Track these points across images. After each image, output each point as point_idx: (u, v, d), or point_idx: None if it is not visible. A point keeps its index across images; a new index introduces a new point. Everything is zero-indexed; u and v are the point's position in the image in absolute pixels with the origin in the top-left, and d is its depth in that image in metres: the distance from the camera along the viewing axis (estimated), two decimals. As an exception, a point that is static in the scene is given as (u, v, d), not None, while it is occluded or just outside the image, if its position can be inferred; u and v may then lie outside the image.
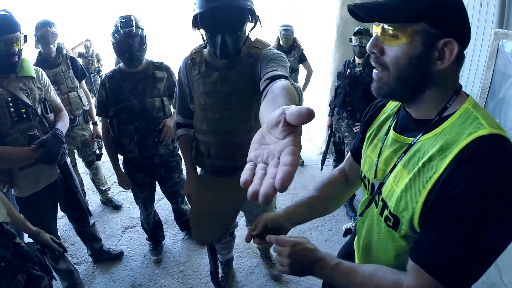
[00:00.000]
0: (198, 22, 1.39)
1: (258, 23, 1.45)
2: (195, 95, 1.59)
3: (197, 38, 1.54)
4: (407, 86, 0.78)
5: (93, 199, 3.57)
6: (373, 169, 0.95)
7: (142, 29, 2.12)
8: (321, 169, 3.68)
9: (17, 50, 1.77)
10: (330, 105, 3.43)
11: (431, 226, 0.74)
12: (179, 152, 2.44)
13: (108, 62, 6.72)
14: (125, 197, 3.63)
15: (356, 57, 3.03)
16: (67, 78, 2.84)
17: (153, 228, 2.66)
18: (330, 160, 3.89)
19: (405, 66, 0.76)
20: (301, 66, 4.27)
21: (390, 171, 0.87)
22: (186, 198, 1.75)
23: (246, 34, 1.48)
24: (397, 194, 0.81)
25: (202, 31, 1.45)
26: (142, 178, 2.37)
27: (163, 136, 2.19)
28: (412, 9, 0.73)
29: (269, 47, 1.51)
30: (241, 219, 2.55)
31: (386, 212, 0.86)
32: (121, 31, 2.03)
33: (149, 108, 2.17)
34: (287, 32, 4.10)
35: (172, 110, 2.34)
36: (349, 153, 1.21)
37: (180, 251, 2.80)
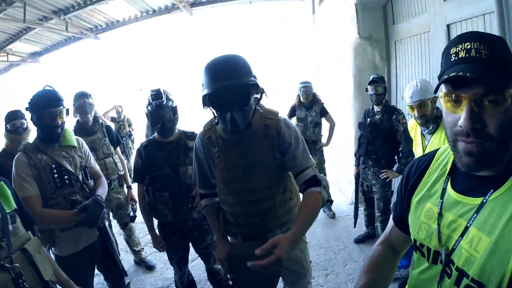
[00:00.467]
0: (207, 101, 1.48)
1: (264, 94, 1.56)
2: (216, 170, 1.64)
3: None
4: (508, 150, 0.75)
5: (126, 259, 3.61)
6: (434, 236, 0.87)
7: (172, 101, 2.32)
8: (355, 226, 3.64)
9: (60, 122, 1.97)
10: (355, 155, 3.50)
11: None
12: None
13: (139, 127, 7.08)
14: (158, 257, 3.66)
15: (374, 105, 3.13)
16: (103, 145, 3.05)
17: (187, 288, 2.67)
18: (361, 209, 3.85)
19: (510, 129, 0.73)
20: (323, 119, 4.43)
21: (461, 235, 0.80)
22: (221, 266, 1.76)
23: (254, 107, 1.54)
24: (479, 259, 0.75)
25: (212, 109, 1.52)
26: (176, 240, 2.43)
27: (196, 202, 2.29)
28: (497, 75, 0.71)
29: (280, 117, 1.61)
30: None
31: (466, 281, 0.77)
32: (153, 103, 2.24)
33: (182, 176, 2.30)
34: (307, 89, 4.33)
35: None
36: (391, 222, 1.13)
37: (215, 312, 2.76)
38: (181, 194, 2.30)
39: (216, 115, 1.53)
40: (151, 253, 3.77)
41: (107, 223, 2.25)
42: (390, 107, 3.08)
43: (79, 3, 5.54)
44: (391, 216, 1.13)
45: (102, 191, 2.15)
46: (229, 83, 1.38)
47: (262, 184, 1.58)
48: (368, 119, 3.19)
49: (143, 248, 3.60)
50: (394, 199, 3.54)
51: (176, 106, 2.34)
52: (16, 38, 6.77)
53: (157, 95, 2.26)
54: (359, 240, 3.65)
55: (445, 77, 0.73)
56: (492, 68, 0.70)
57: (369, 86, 3.07)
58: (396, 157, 3.18)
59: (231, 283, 2.88)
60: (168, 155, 2.32)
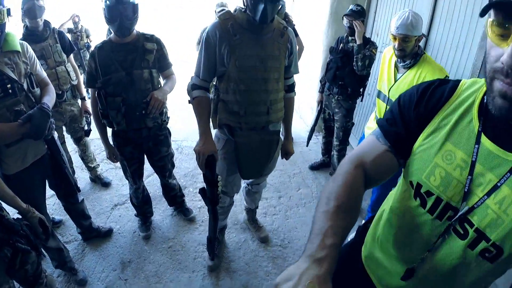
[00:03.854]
0: None
1: None
2: (232, 57, 1.74)
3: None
4: None
5: (82, 177, 3.52)
6: (458, 189, 0.75)
7: None
8: (307, 145, 3.72)
9: (0, 23, 1.70)
10: (321, 81, 3.42)
11: None
12: (168, 126, 2.46)
13: (98, 38, 6.56)
14: (114, 174, 3.60)
15: (348, 34, 3.01)
16: (54, 52, 2.77)
17: (141, 203, 2.66)
18: (319, 137, 3.90)
19: None
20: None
21: (488, 194, 0.71)
22: (197, 160, 1.82)
23: (279, 7, 1.75)
24: (507, 223, 0.68)
25: None
26: (130, 151, 2.35)
27: (150, 108, 2.16)
28: None
29: (289, 28, 1.87)
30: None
31: (484, 245, 0.72)
32: None
33: (137, 80, 2.14)
34: (280, 7, 4.02)
35: (162, 82, 2.32)
36: (374, 138, 0.90)
37: (168, 227, 2.81)
38: (135, 99, 2.16)
39: (247, 4, 1.70)
40: (107, 169, 3.68)
41: (56, 135, 2.08)
42: (367, 38, 2.95)
43: None
44: (372, 135, 0.91)
45: (49, 99, 1.95)
46: None
47: (273, 76, 1.83)
48: (341, 45, 3.08)
49: (98, 165, 3.49)
50: (354, 132, 3.60)
51: (137, 4, 2.10)
52: None
53: None
54: (314, 167, 3.75)
55: None
56: None
57: (345, 17, 2.93)
58: (361, 89, 3.15)
59: (185, 199, 2.92)
60: (124, 57, 2.13)
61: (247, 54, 1.74)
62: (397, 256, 0.91)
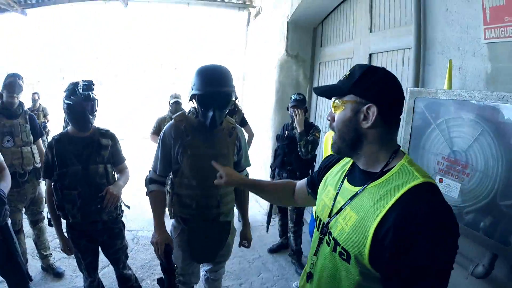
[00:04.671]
0: (196, 99, 1.84)
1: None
2: (184, 156, 1.89)
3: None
4: (346, 143, 1.01)
5: (33, 265, 3.22)
6: (326, 211, 1.09)
7: (95, 95, 2.19)
8: (267, 231, 3.73)
9: None
10: (271, 167, 3.58)
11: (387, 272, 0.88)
12: (122, 219, 2.44)
13: (55, 118, 6.47)
14: (67, 263, 3.32)
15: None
16: (23, 131, 2.82)
17: (97, 297, 2.45)
18: (276, 219, 3.95)
19: (342, 127, 1.01)
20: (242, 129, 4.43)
21: (337, 213, 1.03)
22: (155, 251, 1.89)
23: (227, 110, 1.91)
24: (347, 232, 0.95)
25: (195, 103, 1.88)
26: (85, 244, 2.26)
27: (106, 203, 2.16)
28: (344, 86, 1.00)
29: (237, 126, 2.07)
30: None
31: (339, 248, 0.98)
32: (81, 94, 2.07)
33: (92, 174, 2.16)
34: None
35: (116, 176, 2.35)
36: (303, 181, 1.43)
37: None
38: (90, 193, 2.15)
39: (198, 111, 1.89)
40: (59, 258, 3.40)
41: (9, 222, 2.02)
42: (309, 123, 3.23)
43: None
44: (305, 180, 1.41)
45: (5, 186, 1.96)
46: (219, 90, 1.78)
47: None
48: (287, 132, 3.32)
49: (51, 254, 3.25)
50: (307, 212, 3.74)
51: (97, 100, 2.21)
52: None
53: (88, 86, 2.12)
54: (273, 250, 3.73)
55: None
56: (342, 84, 1.04)
57: (290, 107, 3.19)
58: (310, 171, 3.33)
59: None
60: (80, 151, 2.17)
61: (199, 153, 1.89)
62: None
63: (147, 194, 2.00)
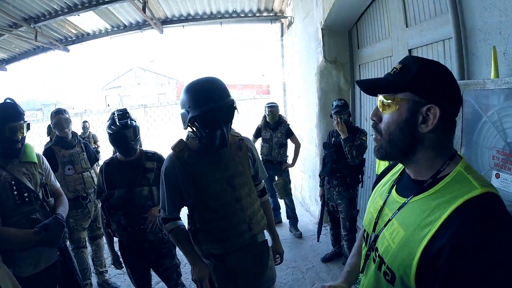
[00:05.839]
0: (194, 121, 1.60)
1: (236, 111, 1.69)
2: (196, 188, 1.67)
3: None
4: (398, 148, 0.88)
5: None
6: (372, 224, 1.00)
7: (135, 121, 2.33)
8: (318, 240, 3.69)
9: (20, 137, 1.92)
10: (320, 175, 3.54)
11: None
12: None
13: (105, 144, 6.88)
14: (122, 280, 3.52)
15: None
16: (81, 159, 3.15)
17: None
18: (327, 228, 3.87)
19: (394, 130, 0.86)
20: (288, 140, 4.49)
21: (385, 226, 0.92)
22: (197, 284, 1.72)
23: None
24: (393, 250, 0.85)
25: (194, 127, 1.65)
26: (133, 261, 2.37)
27: (147, 223, 2.25)
28: (398, 82, 0.85)
29: (244, 137, 1.87)
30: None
31: (384, 268, 0.88)
32: (118, 123, 2.21)
33: (137, 196, 2.27)
34: (273, 109, 4.42)
35: None
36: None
37: None
38: (135, 214, 2.26)
39: (201, 134, 1.64)
40: (115, 274, 3.62)
41: (68, 243, 2.19)
42: (354, 127, 3.16)
43: (50, 12, 5.40)
44: None
45: (63, 210, 2.10)
46: (220, 103, 1.56)
47: (244, 191, 1.75)
48: (333, 139, 3.27)
49: (107, 270, 3.48)
50: (360, 218, 3.63)
51: (138, 126, 2.35)
52: (-17, 44, 6.48)
53: (123, 115, 2.28)
54: (326, 259, 3.66)
55: None
56: (395, 78, 0.89)
57: (333, 114, 3.15)
58: (360, 176, 3.25)
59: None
60: (127, 174, 2.31)
61: (212, 180, 1.68)
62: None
63: (166, 235, 1.97)
